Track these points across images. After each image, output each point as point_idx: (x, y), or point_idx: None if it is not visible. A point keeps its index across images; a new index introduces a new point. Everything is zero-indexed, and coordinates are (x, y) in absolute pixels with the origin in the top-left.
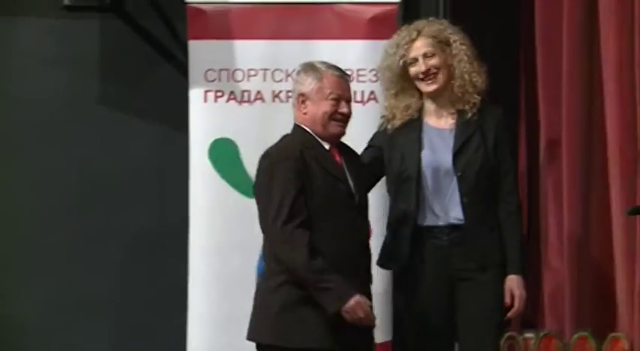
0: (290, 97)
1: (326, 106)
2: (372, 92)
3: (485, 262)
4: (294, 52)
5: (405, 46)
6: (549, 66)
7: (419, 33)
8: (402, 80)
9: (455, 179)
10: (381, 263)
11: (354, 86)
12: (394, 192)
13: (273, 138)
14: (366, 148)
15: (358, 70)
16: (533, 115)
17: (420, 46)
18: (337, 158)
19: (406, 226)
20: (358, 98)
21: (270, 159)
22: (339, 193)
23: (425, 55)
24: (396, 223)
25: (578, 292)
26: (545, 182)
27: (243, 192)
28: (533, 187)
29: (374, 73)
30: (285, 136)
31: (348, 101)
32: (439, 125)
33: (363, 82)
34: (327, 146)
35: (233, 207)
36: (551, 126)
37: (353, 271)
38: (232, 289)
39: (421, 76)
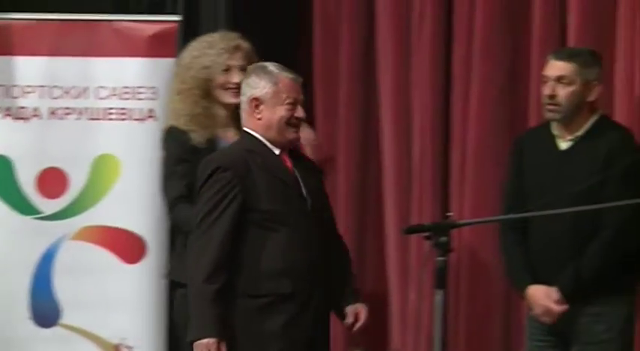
0: (69, 113)
1: (282, 111)
2: (151, 110)
3: None
4: (73, 68)
5: (226, 55)
6: (327, 82)
7: (239, 45)
8: (203, 84)
9: None
10: None
11: (133, 104)
12: None
13: (51, 155)
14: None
15: (137, 87)
16: None
17: (240, 57)
18: (288, 163)
19: None
20: (137, 116)
21: (208, 167)
22: (290, 200)
23: (241, 68)
24: None
25: None
26: None
27: (19, 209)
28: None
29: (153, 90)
30: (231, 144)
31: (302, 105)
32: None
33: (143, 99)
34: (277, 152)
35: (7, 224)
36: (328, 141)
37: (308, 281)
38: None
39: (232, 86)
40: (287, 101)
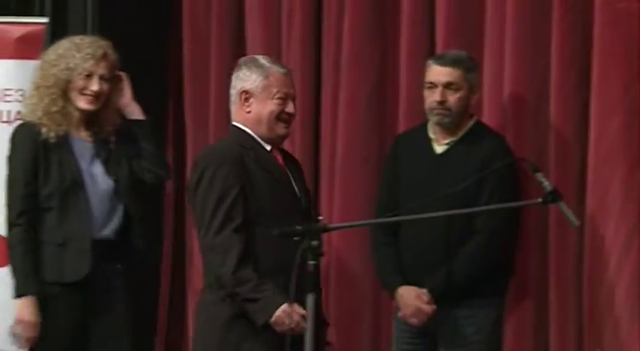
0: None
1: (272, 106)
2: (18, 112)
3: None
4: None
5: (92, 62)
6: (196, 82)
7: (106, 54)
8: (63, 84)
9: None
10: None
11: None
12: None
13: None
14: None
15: (5, 89)
16: (181, 137)
17: (104, 66)
18: (280, 160)
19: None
20: (5, 118)
21: (204, 163)
22: (283, 196)
23: (102, 77)
24: None
25: None
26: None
27: None
28: (179, 210)
29: (21, 93)
30: (221, 139)
31: (294, 100)
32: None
33: (10, 102)
34: (268, 148)
35: None
36: (198, 148)
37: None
38: None
39: (89, 92)
40: (277, 95)
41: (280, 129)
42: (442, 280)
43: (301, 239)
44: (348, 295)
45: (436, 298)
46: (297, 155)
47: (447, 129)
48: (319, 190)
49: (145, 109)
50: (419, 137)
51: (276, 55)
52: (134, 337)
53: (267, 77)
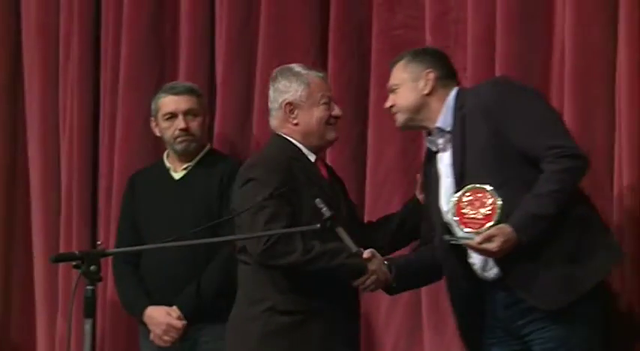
0: None
1: (320, 112)
2: None
3: None
4: None
5: None
6: None
7: None
8: None
9: None
10: None
11: None
12: None
13: None
14: None
15: None
16: None
17: None
18: (324, 172)
19: None
20: None
21: (257, 170)
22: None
23: None
24: None
25: None
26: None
27: None
28: None
29: None
30: (266, 148)
31: (336, 102)
32: None
33: None
34: (312, 159)
35: None
36: None
37: (335, 297)
38: None
39: None
40: (322, 101)
41: (331, 133)
42: (191, 295)
43: (80, 264)
44: (124, 321)
45: (186, 314)
46: (75, 179)
47: (184, 156)
48: (97, 215)
49: None
50: (155, 170)
51: (54, 77)
52: None
53: (308, 85)
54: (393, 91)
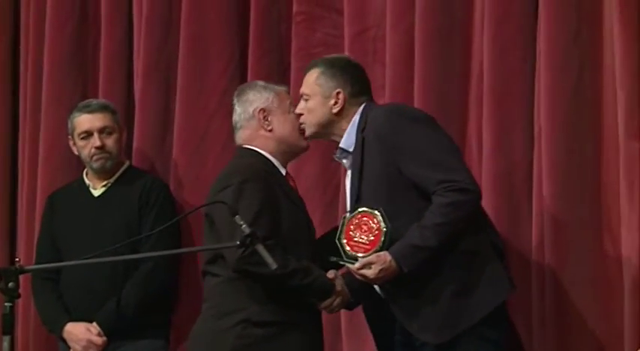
0: None
1: (292, 118)
2: None
3: None
4: None
5: None
6: None
7: None
8: None
9: None
10: None
11: None
12: None
13: None
14: None
15: None
16: None
17: None
18: (293, 185)
19: None
20: None
21: (238, 177)
22: (301, 224)
23: None
24: None
25: None
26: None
27: None
28: None
29: None
30: (237, 158)
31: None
32: None
33: None
34: (283, 172)
35: None
36: None
37: (310, 308)
38: None
39: None
40: (292, 109)
41: (303, 141)
42: (110, 311)
43: None
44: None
45: (106, 329)
46: None
47: (103, 173)
48: (16, 232)
49: None
50: (75, 188)
51: None
52: None
53: (277, 94)
54: (304, 99)
